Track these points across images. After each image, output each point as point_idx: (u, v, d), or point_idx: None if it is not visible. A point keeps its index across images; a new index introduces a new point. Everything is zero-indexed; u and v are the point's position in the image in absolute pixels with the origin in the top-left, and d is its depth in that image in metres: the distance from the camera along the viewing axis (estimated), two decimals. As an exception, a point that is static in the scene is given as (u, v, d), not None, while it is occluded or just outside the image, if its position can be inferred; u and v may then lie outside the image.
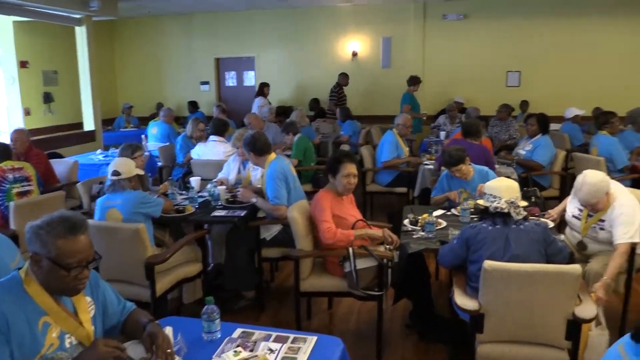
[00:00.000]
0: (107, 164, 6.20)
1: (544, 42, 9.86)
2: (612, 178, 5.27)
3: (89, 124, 8.78)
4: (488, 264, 2.56)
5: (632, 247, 3.28)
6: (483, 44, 10.07)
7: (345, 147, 6.76)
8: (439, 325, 3.63)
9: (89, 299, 1.98)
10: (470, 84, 9.83)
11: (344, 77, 10.00)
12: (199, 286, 4.04)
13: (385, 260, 3.27)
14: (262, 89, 10.02)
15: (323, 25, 10.65)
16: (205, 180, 4.85)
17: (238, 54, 11.23)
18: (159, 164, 6.69)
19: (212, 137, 6.00)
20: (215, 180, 4.81)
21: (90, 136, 8.71)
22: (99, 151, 7.28)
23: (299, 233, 3.44)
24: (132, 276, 3.38)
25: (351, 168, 3.48)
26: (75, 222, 1.81)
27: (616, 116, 6.15)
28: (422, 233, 3.44)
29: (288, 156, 6.30)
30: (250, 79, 11.37)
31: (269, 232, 4.05)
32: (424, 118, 9.46)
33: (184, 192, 4.64)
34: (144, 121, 10.37)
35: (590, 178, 3.27)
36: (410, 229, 3.56)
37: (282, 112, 9.83)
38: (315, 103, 10.46)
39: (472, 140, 5.53)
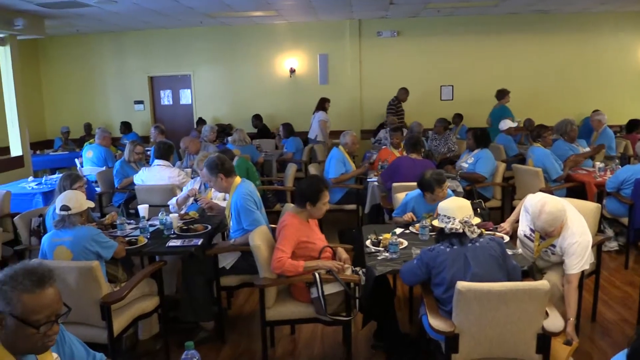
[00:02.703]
0: (41, 193, 5.89)
1: (474, 57, 10.37)
2: (549, 188, 5.57)
3: (16, 149, 8.25)
4: (461, 285, 2.59)
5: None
6: (417, 59, 10.41)
7: (292, 165, 6.69)
8: (405, 344, 3.64)
9: (55, 355, 1.83)
10: (408, 99, 10.09)
11: (404, 92, 9.72)
12: (155, 321, 3.86)
13: (352, 285, 3.25)
14: (323, 104, 9.71)
15: (259, 43, 10.62)
16: (153, 207, 4.65)
17: (173, 72, 10.97)
18: (97, 189, 6.36)
19: (156, 162, 5.76)
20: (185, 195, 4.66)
21: (18, 162, 8.18)
22: (30, 178, 6.81)
23: (262, 261, 3.36)
24: (86, 317, 3.16)
25: (328, 195, 3.53)
26: (42, 275, 1.68)
27: (549, 130, 6.49)
28: (386, 254, 3.44)
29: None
30: (187, 97, 11.13)
31: (228, 260, 3.92)
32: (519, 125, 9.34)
33: (132, 221, 4.42)
34: (74, 143, 9.90)
35: (550, 207, 3.27)
36: (373, 250, 3.55)
37: (222, 130, 9.72)
38: (257, 120, 10.37)
39: (416, 156, 5.64)
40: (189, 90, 11.07)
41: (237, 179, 3.99)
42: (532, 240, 3.61)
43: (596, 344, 3.86)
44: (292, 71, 10.62)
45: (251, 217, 3.80)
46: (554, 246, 3.48)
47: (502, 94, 9.27)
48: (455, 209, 2.96)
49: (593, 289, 4.16)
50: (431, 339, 3.02)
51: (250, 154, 7.36)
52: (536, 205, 3.33)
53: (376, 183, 5.81)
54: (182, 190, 4.95)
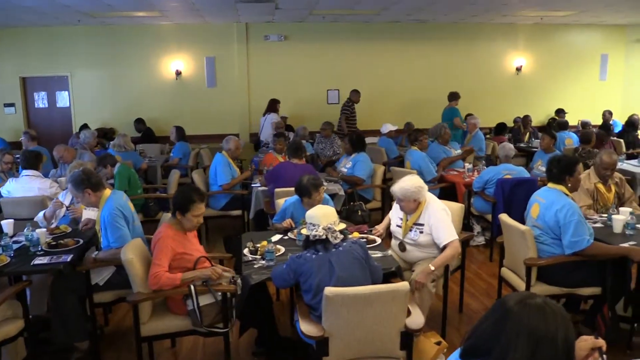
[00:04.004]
0: None
1: (359, 62, 10.78)
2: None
3: None
4: (329, 290, 2.71)
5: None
6: (304, 63, 10.60)
7: (175, 172, 6.54)
8: (286, 348, 3.72)
9: None
10: (295, 102, 10.28)
11: (355, 94, 9.72)
12: (21, 345, 3.60)
13: (229, 295, 3.27)
14: (274, 105, 9.48)
15: (144, 44, 10.25)
16: (20, 221, 4.34)
17: (48, 72, 10.24)
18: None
19: (24, 172, 5.36)
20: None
21: None
22: None
23: (136, 276, 3.28)
24: None
25: (202, 207, 3.43)
26: None
27: (425, 133, 6.93)
28: (263, 262, 3.50)
29: (112, 185, 5.95)
30: (64, 99, 10.44)
31: (101, 276, 3.77)
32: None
33: (-7, 238, 4.09)
34: None
35: (409, 181, 3.81)
36: (250, 258, 3.59)
37: (103, 135, 9.30)
38: (139, 124, 10.00)
39: (297, 161, 5.74)
40: (66, 93, 10.40)
41: (107, 192, 3.84)
42: (401, 227, 3.96)
43: (462, 333, 4.18)
44: (178, 73, 10.36)
45: (117, 233, 3.67)
46: (421, 225, 3.83)
47: (453, 97, 9.83)
48: (320, 216, 3.08)
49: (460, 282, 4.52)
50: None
51: (132, 161, 7.09)
52: (402, 177, 3.87)
53: (260, 188, 5.85)
54: (54, 202, 4.68)
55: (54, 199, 4.55)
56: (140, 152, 8.17)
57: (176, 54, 10.36)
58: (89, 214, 4.31)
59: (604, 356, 1.78)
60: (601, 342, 1.76)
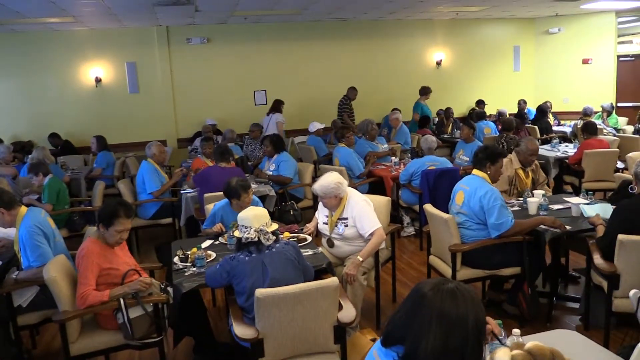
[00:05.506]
0: None
1: (284, 62, 10.77)
2: (353, 184, 6.09)
3: None
4: (259, 292, 2.73)
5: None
6: (229, 65, 10.47)
7: (99, 183, 6.32)
8: (224, 354, 3.70)
9: None
10: (222, 105, 10.16)
11: (352, 91, 10.12)
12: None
13: (160, 305, 3.22)
14: (278, 106, 9.69)
15: (59, 51, 9.76)
16: None
17: (-47, 85, 9.59)
18: None
19: None
20: None
21: None
22: None
23: (61, 293, 3.16)
24: None
25: (126, 224, 3.32)
26: None
27: (350, 130, 7.08)
28: (194, 269, 3.47)
29: (38, 200, 5.71)
30: (-27, 113, 9.79)
31: (24, 297, 3.60)
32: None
33: None
34: None
35: (329, 178, 3.92)
36: (181, 266, 3.54)
37: (21, 149, 8.82)
38: (54, 138, 9.47)
39: (225, 164, 5.70)
40: (-26, 105, 9.76)
41: (22, 210, 3.68)
42: (327, 224, 4.08)
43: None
44: (98, 80, 9.97)
45: (37, 252, 3.53)
46: (346, 219, 3.96)
47: (424, 91, 10.50)
48: (252, 218, 3.09)
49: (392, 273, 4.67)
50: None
51: (53, 174, 6.79)
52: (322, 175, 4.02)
53: (190, 194, 5.77)
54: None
55: None
56: (62, 164, 7.81)
57: (95, 60, 9.96)
58: (3, 231, 4.11)
59: (502, 335, 1.94)
60: (491, 327, 1.90)
